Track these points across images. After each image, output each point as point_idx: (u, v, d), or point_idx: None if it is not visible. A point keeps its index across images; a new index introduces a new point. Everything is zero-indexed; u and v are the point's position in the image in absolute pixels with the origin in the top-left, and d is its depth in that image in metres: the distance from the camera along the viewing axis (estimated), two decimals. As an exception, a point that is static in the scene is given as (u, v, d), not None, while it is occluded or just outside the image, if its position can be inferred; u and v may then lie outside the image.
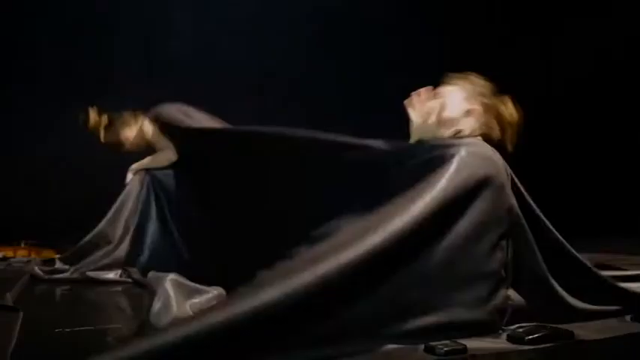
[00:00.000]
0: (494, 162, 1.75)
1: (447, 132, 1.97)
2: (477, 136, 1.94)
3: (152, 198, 3.34)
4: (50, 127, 4.68)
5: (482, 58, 4.40)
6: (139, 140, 3.49)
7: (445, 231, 1.65)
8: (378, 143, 2.01)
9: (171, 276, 2.19)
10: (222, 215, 2.80)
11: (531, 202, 1.86)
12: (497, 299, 1.70)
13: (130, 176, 3.43)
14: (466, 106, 1.97)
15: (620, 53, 4.15)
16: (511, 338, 1.65)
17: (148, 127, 3.43)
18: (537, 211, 1.87)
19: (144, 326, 1.94)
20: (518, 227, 1.78)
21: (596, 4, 4.25)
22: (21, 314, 2.02)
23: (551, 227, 1.88)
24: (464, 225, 1.66)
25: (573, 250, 1.91)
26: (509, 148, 1.95)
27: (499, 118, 1.96)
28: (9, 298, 2.30)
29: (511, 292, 1.79)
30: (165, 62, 4.97)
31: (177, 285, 2.09)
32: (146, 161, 3.43)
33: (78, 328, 1.89)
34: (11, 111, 4.70)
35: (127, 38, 4.88)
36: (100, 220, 3.30)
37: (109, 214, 3.30)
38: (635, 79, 4.05)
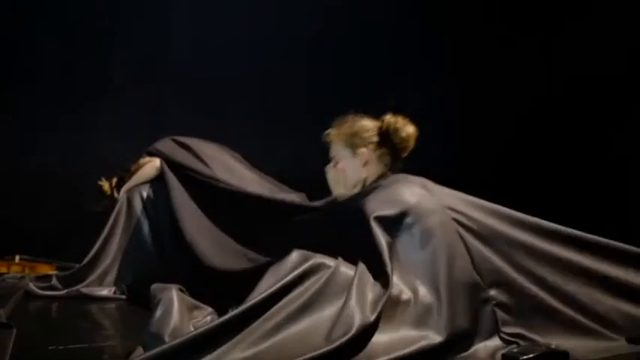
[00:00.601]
0: (403, 197, 2.02)
1: (358, 187, 2.33)
2: (383, 173, 2.32)
3: (144, 215, 3.34)
4: (45, 141, 4.69)
5: (481, 59, 4.49)
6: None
7: None
8: (316, 204, 2.49)
9: (177, 287, 2.20)
10: (212, 229, 2.89)
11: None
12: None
13: (121, 195, 3.43)
14: (357, 160, 2.34)
15: (623, 56, 4.16)
16: (506, 358, 1.65)
17: (143, 161, 3.46)
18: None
19: (139, 344, 1.93)
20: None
21: (596, 5, 4.28)
22: (14, 331, 2.01)
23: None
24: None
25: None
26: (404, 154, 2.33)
27: (393, 143, 2.31)
28: (2, 315, 2.27)
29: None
30: (165, 64, 4.97)
31: (181, 297, 2.09)
32: (134, 179, 3.44)
33: (72, 346, 1.88)
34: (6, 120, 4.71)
35: (126, 43, 4.89)
36: (94, 237, 3.30)
37: (103, 234, 3.29)
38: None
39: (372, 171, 2.35)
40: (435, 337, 1.70)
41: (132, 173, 3.49)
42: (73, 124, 4.76)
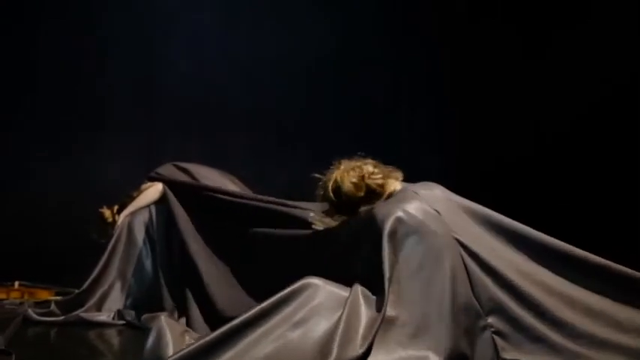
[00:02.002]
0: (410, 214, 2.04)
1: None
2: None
3: (144, 239, 3.35)
4: (44, 168, 4.72)
5: (485, 83, 4.52)
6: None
7: None
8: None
9: (165, 314, 2.21)
10: (211, 253, 2.88)
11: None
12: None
13: (121, 220, 3.45)
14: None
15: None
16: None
17: (144, 187, 3.48)
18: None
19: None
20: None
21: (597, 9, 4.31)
22: (13, 357, 2.01)
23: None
24: None
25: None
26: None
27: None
28: (2, 341, 2.28)
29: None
30: (163, 90, 5.01)
31: (170, 324, 2.10)
32: (136, 202, 3.46)
33: (71, 372, 1.89)
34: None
35: (123, 69, 4.93)
36: (94, 263, 3.32)
37: (102, 259, 3.32)
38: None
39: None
40: (434, 358, 1.72)
41: (134, 198, 3.51)
42: (72, 151, 4.80)
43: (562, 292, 2.02)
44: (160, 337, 1.94)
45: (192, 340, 2.05)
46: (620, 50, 4.12)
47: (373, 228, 2.01)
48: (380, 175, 2.30)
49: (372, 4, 5.01)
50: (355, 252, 2.09)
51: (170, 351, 1.85)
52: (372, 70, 4.88)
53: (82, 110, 4.85)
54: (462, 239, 2.05)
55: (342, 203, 2.32)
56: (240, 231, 2.76)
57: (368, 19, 5.01)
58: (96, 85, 4.89)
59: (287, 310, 1.81)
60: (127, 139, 4.87)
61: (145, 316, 2.91)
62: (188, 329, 2.19)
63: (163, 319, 2.10)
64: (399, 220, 2.00)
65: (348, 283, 1.94)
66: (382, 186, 2.31)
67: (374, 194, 2.31)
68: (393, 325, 1.79)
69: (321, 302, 1.84)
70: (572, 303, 2.00)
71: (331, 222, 2.38)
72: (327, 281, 1.92)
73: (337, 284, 1.93)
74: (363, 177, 2.29)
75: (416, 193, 2.18)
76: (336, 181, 2.32)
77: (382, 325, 1.76)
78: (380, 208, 2.11)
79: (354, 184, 2.30)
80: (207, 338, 1.71)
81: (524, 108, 4.47)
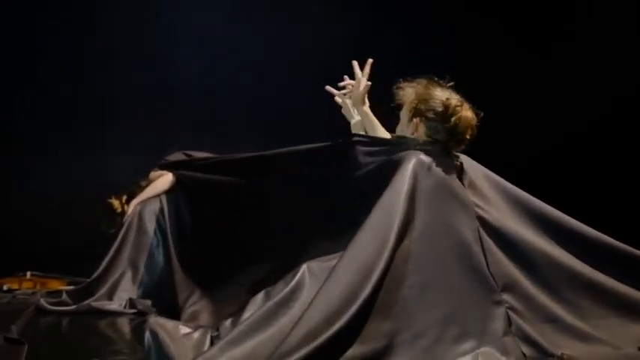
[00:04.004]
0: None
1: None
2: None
3: (155, 227, 3.35)
4: (55, 160, 4.73)
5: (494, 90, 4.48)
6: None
7: None
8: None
9: (152, 316, 2.21)
10: (222, 242, 2.84)
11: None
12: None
13: (131, 209, 3.45)
14: (409, 128, 2.24)
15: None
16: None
17: (153, 174, 3.48)
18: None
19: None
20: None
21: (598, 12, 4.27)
22: (26, 347, 2.02)
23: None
24: None
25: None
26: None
27: (448, 126, 2.12)
28: (14, 331, 2.30)
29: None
30: (170, 83, 4.99)
31: (161, 323, 2.10)
32: (147, 191, 3.46)
33: (83, 361, 1.89)
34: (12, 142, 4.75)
35: (130, 64, 4.92)
36: (105, 252, 3.33)
37: (113, 248, 3.33)
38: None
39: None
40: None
41: (143, 188, 3.51)
42: (81, 143, 4.80)
43: (580, 273, 2.01)
44: (154, 339, 1.94)
45: (187, 330, 2.07)
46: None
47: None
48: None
49: (385, 6, 4.95)
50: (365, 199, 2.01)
51: (171, 348, 1.84)
52: (383, 70, 4.83)
53: (91, 102, 4.85)
54: (482, 214, 2.03)
55: (451, 130, 2.10)
56: (254, 200, 2.66)
57: (379, 19, 4.97)
58: (103, 82, 4.88)
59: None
60: (136, 134, 4.86)
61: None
62: (179, 323, 2.20)
63: (152, 320, 2.12)
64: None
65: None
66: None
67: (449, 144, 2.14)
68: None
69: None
70: (589, 286, 1.99)
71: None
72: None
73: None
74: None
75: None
76: (462, 106, 2.10)
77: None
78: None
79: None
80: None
81: (531, 109, 4.44)
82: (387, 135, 2.36)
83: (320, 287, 1.69)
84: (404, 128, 2.26)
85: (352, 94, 2.47)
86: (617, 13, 4.28)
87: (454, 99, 2.12)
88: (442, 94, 2.15)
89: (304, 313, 1.62)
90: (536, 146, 4.36)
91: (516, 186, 2.24)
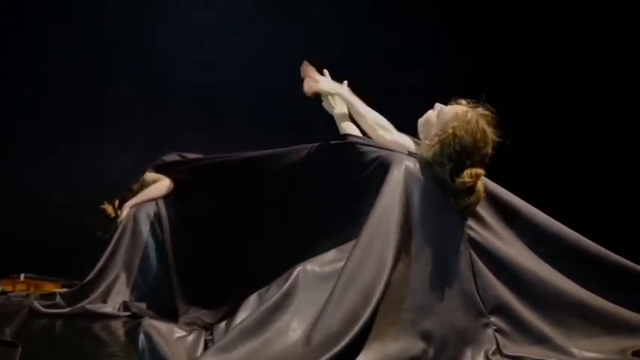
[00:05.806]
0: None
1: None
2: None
3: (148, 231, 3.33)
4: (48, 161, 4.70)
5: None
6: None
7: None
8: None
9: (147, 319, 2.19)
10: (217, 244, 2.83)
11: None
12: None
13: (125, 212, 3.42)
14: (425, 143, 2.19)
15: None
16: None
17: (149, 177, 3.46)
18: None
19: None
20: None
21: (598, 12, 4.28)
22: (19, 349, 2.00)
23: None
24: None
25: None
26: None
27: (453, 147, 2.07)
28: (8, 333, 2.29)
29: None
30: (168, 84, 4.98)
31: (155, 326, 2.08)
32: (144, 194, 3.43)
33: (76, 364, 1.87)
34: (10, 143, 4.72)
35: (128, 65, 4.90)
36: (99, 254, 3.30)
37: (107, 251, 3.31)
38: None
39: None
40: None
41: (136, 191, 3.48)
42: (76, 144, 4.78)
43: (570, 293, 2.00)
44: (148, 341, 1.92)
45: (181, 333, 2.05)
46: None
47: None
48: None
49: (385, 6, 4.94)
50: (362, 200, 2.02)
51: (165, 351, 1.82)
52: (384, 71, 4.83)
53: (88, 105, 4.83)
54: (474, 235, 2.03)
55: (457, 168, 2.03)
56: (250, 199, 2.66)
57: (379, 19, 4.95)
58: (101, 81, 4.87)
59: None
60: (132, 135, 4.84)
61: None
62: (171, 325, 2.18)
63: (146, 323, 2.08)
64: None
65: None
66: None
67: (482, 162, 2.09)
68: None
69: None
70: (582, 307, 1.97)
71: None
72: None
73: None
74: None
75: None
76: (461, 128, 2.03)
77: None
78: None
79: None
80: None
81: (531, 109, 4.43)
82: (375, 118, 2.34)
83: (320, 309, 1.73)
84: (425, 130, 2.20)
85: (319, 86, 2.51)
86: (617, 14, 4.29)
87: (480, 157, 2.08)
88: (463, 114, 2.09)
89: (308, 334, 1.67)
90: (536, 146, 4.35)
91: (516, 186, 2.21)
